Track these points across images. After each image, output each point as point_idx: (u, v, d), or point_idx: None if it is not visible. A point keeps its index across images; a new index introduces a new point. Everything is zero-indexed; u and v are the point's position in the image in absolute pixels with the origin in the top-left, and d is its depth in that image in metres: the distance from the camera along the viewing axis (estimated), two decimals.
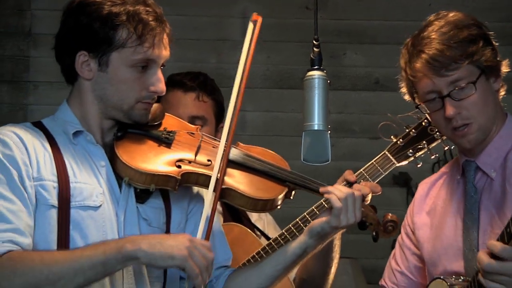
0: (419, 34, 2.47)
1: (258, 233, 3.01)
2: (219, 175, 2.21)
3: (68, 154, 2.20)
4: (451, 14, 2.48)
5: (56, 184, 2.14)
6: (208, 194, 2.20)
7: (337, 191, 2.26)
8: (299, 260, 2.33)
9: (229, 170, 2.27)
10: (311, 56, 2.32)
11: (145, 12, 2.20)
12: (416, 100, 2.52)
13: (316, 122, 2.27)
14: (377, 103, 4.73)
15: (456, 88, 2.39)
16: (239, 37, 4.75)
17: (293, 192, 2.34)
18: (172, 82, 2.91)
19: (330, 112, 2.32)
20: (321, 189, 2.31)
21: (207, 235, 2.14)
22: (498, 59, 2.46)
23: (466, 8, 4.60)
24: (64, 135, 2.24)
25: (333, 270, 2.83)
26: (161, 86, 2.25)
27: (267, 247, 2.79)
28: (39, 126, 2.26)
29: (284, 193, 2.30)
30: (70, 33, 2.23)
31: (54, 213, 2.13)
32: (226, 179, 2.25)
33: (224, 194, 2.24)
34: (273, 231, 3.05)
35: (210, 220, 2.16)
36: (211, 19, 4.72)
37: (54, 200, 2.13)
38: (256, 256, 2.77)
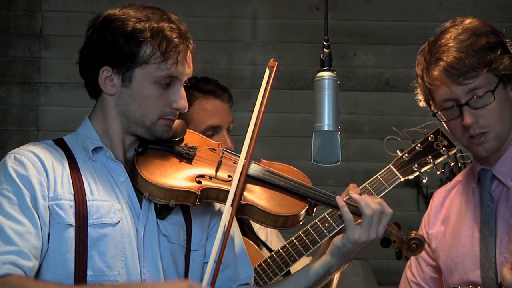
0: (436, 41, 2.44)
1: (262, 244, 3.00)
2: (236, 190, 2.19)
3: (87, 172, 2.21)
4: (467, 21, 2.45)
5: (72, 203, 2.14)
6: (225, 209, 2.18)
7: (364, 205, 2.27)
8: (322, 280, 2.32)
9: (250, 186, 2.26)
10: (321, 57, 2.32)
11: (169, 29, 2.21)
12: (433, 108, 2.50)
13: (327, 123, 2.26)
14: (387, 103, 4.72)
15: (475, 97, 2.37)
16: (249, 38, 4.76)
17: (315, 209, 2.32)
18: (205, 91, 2.93)
19: (340, 113, 2.32)
20: (350, 194, 2.32)
21: (222, 249, 2.12)
22: None
23: (476, 9, 4.60)
24: (84, 151, 2.25)
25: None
26: (184, 103, 2.25)
27: (268, 260, 2.78)
28: (60, 143, 2.27)
29: (305, 209, 2.29)
30: (95, 48, 2.24)
31: (71, 232, 2.13)
32: (247, 194, 2.24)
33: (244, 210, 2.23)
34: (276, 240, 3.04)
35: (226, 234, 2.14)
36: (221, 19, 4.73)
37: (71, 219, 2.13)
38: (257, 268, 2.75)
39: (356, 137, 4.71)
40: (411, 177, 2.71)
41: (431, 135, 2.72)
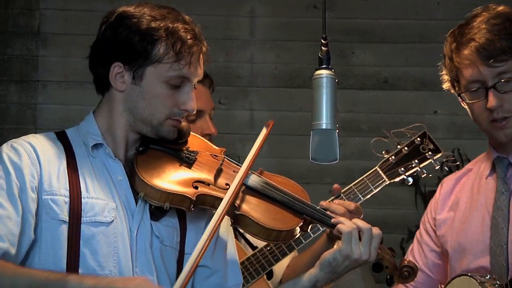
0: (467, 24, 2.46)
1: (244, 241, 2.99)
2: (230, 199, 2.18)
3: (85, 168, 2.20)
4: (500, 8, 2.48)
5: (67, 199, 2.13)
6: (215, 214, 2.16)
7: (347, 222, 2.29)
8: None
9: (247, 197, 2.25)
10: (319, 55, 2.32)
11: (184, 30, 2.20)
12: (457, 89, 2.51)
13: (325, 121, 2.26)
14: (385, 102, 4.73)
15: (502, 80, 2.39)
16: (247, 36, 4.76)
17: (310, 226, 2.32)
18: None
19: (338, 111, 2.32)
20: (333, 220, 2.32)
21: (200, 254, 2.08)
22: None
23: (474, 8, 4.60)
24: (84, 147, 2.24)
25: None
26: (193, 105, 2.24)
27: (251, 258, 2.75)
28: (62, 137, 2.26)
29: (299, 225, 2.28)
30: (107, 44, 2.22)
31: (64, 229, 2.12)
32: (243, 205, 2.22)
33: (238, 220, 2.22)
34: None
35: (208, 240, 2.10)
36: (219, 18, 4.73)
37: (65, 216, 2.12)
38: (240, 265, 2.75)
39: (354, 135, 4.71)
40: (397, 179, 2.70)
41: (418, 138, 2.71)
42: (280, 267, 2.84)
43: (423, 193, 4.57)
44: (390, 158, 2.72)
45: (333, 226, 2.31)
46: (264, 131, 2.34)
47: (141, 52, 2.18)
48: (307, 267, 2.66)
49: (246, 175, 2.24)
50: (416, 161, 2.70)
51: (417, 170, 2.70)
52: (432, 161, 2.69)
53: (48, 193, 2.13)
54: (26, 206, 2.10)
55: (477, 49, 2.39)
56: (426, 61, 4.22)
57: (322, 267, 2.32)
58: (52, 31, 4.74)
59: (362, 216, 2.54)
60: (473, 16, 2.48)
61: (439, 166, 2.71)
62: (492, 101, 2.39)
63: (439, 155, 2.72)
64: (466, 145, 4.42)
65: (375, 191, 2.70)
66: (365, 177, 2.71)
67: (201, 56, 2.25)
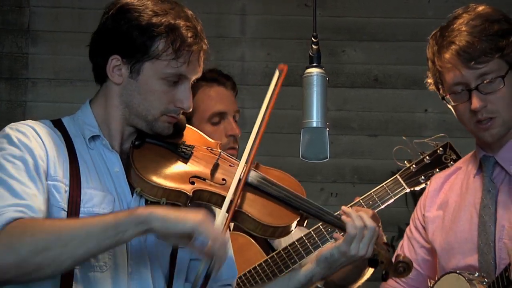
0: (448, 26, 2.47)
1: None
2: (233, 197, 2.17)
3: (83, 159, 2.19)
4: (480, 8, 2.48)
5: (67, 188, 2.13)
6: (220, 215, 2.16)
7: (357, 219, 2.29)
8: None
9: (244, 192, 2.24)
10: (310, 53, 2.32)
11: (185, 27, 2.19)
12: (441, 92, 2.52)
13: (315, 119, 2.26)
14: (376, 100, 4.73)
15: (484, 82, 2.40)
16: (238, 34, 4.76)
17: (306, 221, 2.32)
18: (208, 79, 2.94)
19: (328, 109, 2.32)
20: (343, 208, 2.33)
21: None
22: None
23: (463, 4, 4.61)
24: (81, 138, 2.23)
25: None
26: (189, 103, 2.23)
27: (269, 260, 2.78)
28: (59, 125, 2.25)
29: (296, 221, 2.27)
30: (107, 35, 2.21)
31: (63, 217, 2.11)
32: (239, 201, 2.21)
33: (235, 216, 2.21)
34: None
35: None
36: (210, 16, 4.72)
37: (64, 204, 2.12)
38: (257, 267, 2.75)
39: (345, 133, 4.71)
40: (417, 188, 2.74)
41: (440, 148, 2.76)
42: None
43: (412, 191, 4.57)
44: (411, 167, 2.75)
45: (329, 221, 2.31)
46: (276, 77, 2.30)
47: (140, 47, 2.17)
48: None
49: (249, 171, 2.23)
50: (437, 170, 2.74)
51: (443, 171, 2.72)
52: None
53: (52, 179, 2.12)
54: (43, 186, 2.08)
55: (458, 52, 2.39)
56: (416, 59, 4.23)
57: (318, 263, 2.32)
58: (42, 29, 4.72)
59: (380, 224, 2.59)
60: (453, 17, 2.48)
61: None
62: (475, 102, 2.40)
63: None
64: (456, 143, 4.43)
65: (394, 199, 2.73)
66: (385, 184, 2.75)
67: (201, 54, 2.24)
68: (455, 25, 2.44)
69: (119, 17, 2.19)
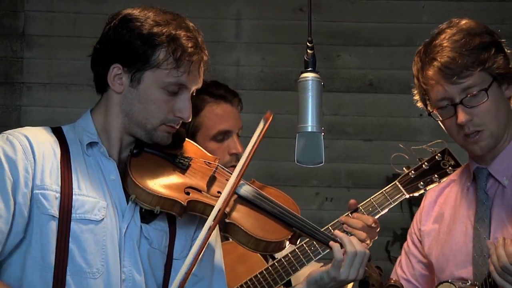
0: (431, 42, 2.47)
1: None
2: (221, 206, 2.17)
3: (79, 165, 2.20)
4: (463, 22, 2.48)
5: (58, 195, 2.14)
6: (207, 223, 2.16)
7: (348, 244, 2.30)
8: None
9: (238, 206, 2.25)
10: (305, 58, 2.32)
11: (186, 38, 2.22)
12: (429, 107, 2.52)
13: (310, 124, 2.26)
14: (371, 105, 4.73)
15: (468, 95, 2.40)
16: (233, 38, 4.76)
17: (299, 239, 2.33)
18: (216, 95, 2.94)
19: (324, 114, 2.32)
20: (335, 233, 2.35)
21: (194, 262, 2.09)
22: (510, 66, 2.46)
23: (460, 11, 4.61)
24: (78, 144, 2.24)
25: None
26: (188, 114, 2.25)
27: (270, 268, 2.78)
28: (58, 132, 2.26)
29: (288, 237, 2.28)
30: (109, 45, 2.24)
31: (53, 224, 2.12)
32: (233, 214, 2.23)
33: (228, 228, 2.22)
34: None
35: (201, 249, 2.11)
36: (205, 20, 4.71)
37: (55, 211, 2.13)
38: (258, 276, 2.75)
39: (340, 138, 4.71)
40: (416, 194, 2.74)
41: (439, 154, 2.75)
42: (298, 278, 2.85)
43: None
44: (410, 173, 2.75)
45: (322, 241, 2.33)
46: (261, 126, 2.31)
47: (141, 56, 2.20)
48: None
49: (239, 182, 2.24)
50: (436, 175, 2.73)
51: (437, 184, 2.73)
52: None
53: (39, 188, 2.13)
54: (18, 203, 2.10)
55: (440, 69, 2.40)
56: (411, 64, 4.23)
57: (309, 284, 2.35)
58: (37, 33, 4.71)
59: (379, 229, 2.60)
60: (436, 33, 2.49)
61: None
62: (461, 117, 2.40)
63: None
64: (451, 148, 4.44)
65: (393, 205, 2.73)
66: (384, 190, 2.74)
67: (201, 65, 2.26)
68: (437, 41, 2.45)
69: (121, 27, 2.22)
